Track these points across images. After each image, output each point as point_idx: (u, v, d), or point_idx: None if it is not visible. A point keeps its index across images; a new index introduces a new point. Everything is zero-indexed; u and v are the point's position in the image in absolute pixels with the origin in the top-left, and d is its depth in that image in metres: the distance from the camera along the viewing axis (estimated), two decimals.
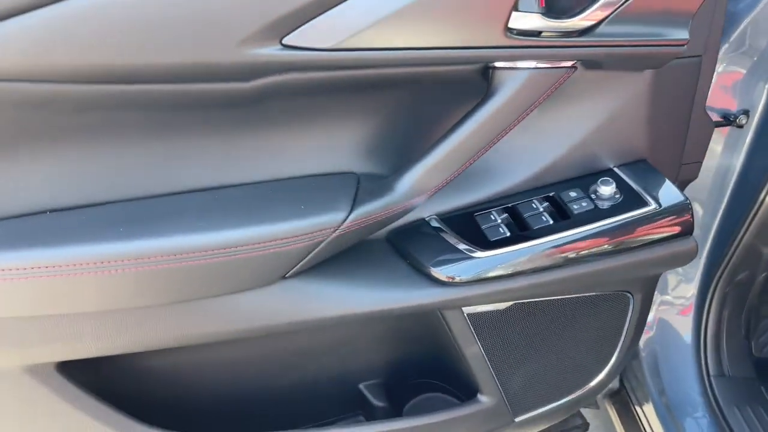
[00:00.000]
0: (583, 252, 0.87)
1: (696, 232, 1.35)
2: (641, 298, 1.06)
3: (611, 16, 0.76)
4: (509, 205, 0.90)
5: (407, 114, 0.84)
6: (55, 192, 0.71)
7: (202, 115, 0.73)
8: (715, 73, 1.21)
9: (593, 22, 0.76)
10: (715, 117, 1.21)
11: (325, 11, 0.65)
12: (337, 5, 0.65)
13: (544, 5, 0.74)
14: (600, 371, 1.14)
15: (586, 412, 1.56)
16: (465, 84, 0.81)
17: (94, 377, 0.79)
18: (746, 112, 1.19)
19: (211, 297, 0.73)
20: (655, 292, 1.39)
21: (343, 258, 0.82)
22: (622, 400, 1.54)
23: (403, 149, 0.85)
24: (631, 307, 1.07)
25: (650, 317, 1.41)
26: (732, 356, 1.37)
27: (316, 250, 0.75)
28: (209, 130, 0.75)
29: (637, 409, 1.45)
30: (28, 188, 0.70)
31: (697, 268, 1.36)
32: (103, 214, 0.71)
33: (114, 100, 0.66)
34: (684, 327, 1.39)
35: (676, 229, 0.90)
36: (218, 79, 0.67)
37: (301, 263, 0.75)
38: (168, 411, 0.88)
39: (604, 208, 0.89)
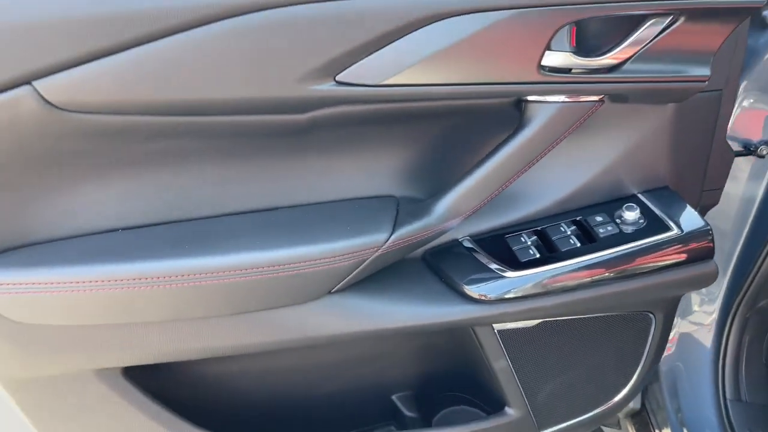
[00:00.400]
0: (607, 274, 0.92)
1: (719, 257, 1.40)
2: (663, 318, 1.11)
3: (637, 55, 0.82)
4: (539, 228, 0.96)
5: (445, 143, 0.91)
6: (126, 212, 0.78)
7: (258, 143, 0.80)
8: (739, 106, 1.27)
9: (620, 61, 0.82)
10: (737, 147, 1.26)
11: (374, 52, 0.72)
12: (384, 47, 0.72)
13: (575, 45, 0.80)
14: (622, 389, 1.18)
15: None
16: (499, 115, 0.87)
17: (155, 383, 0.86)
18: (767, 143, 1.24)
19: (265, 310, 0.80)
20: (678, 312, 1.44)
21: (382, 275, 0.88)
22: (643, 420, 1.57)
23: (439, 175, 0.92)
24: (653, 327, 1.11)
25: (673, 336, 1.45)
26: (750, 382, 1.40)
27: (360, 267, 0.81)
28: (264, 156, 0.82)
29: (656, 429, 1.49)
30: (103, 208, 0.77)
31: (719, 292, 1.40)
32: (168, 233, 0.78)
33: (181, 130, 0.74)
34: (704, 349, 1.42)
35: (697, 253, 0.95)
36: (277, 111, 0.74)
37: (346, 280, 0.82)
38: (217, 415, 0.94)
39: (629, 232, 0.94)
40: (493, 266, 0.90)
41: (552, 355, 1.05)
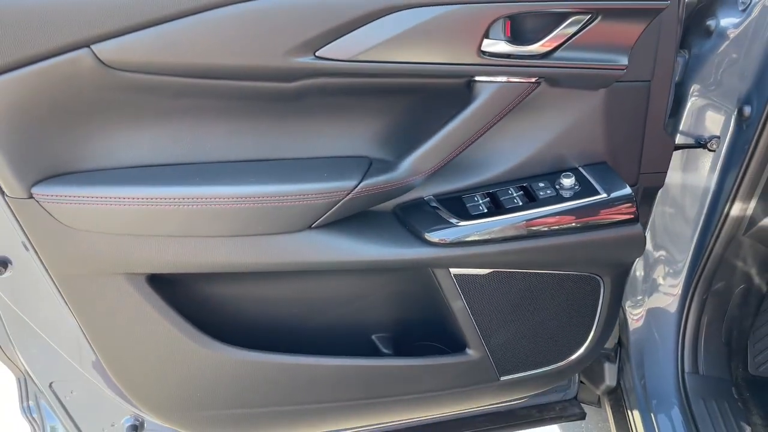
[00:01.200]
0: (543, 228, 1.11)
1: (682, 240, 1.56)
2: (611, 282, 1.28)
3: (565, 45, 1.02)
4: (490, 191, 1.16)
5: (410, 115, 1.13)
6: (154, 153, 1.03)
7: (256, 105, 1.04)
8: (690, 104, 1.45)
9: (551, 48, 1.03)
10: (690, 140, 1.43)
11: (346, 33, 0.94)
12: (354, 30, 0.94)
13: (509, 35, 1.01)
14: (578, 348, 1.35)
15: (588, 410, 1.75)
16: (454, 93, 1.08)
17: (174, 295, 1.09)
18: (717, 138, 1.41)
19: (257, 235, 1.02)
20: (645, 290, 1.60)
21: (357, 220, 1.09)
22: (617, 397, 1.72)
23: (405, 141, 1.13)
24: (602, 290, 1.29)
25: (640, 313, 1.61)
26: (708, 357, 1.55)
27: (334, 208, 1.03)
28: (261, 117, 1.05)
29: (626, 403, 1.64)
30: (138, 148, 1.02)
31: (682, 271, 1.56)
32: (186, 170, 1.02)
33: (198, 91, 0.98)
34: (668, 324, 1.58)
35: (623, 216, 1.13)
36: (269, 79, 0.97)
37: (323, 217, 1.04)
38: (224, 328, 1.17)
39: (564, 195, 1.13)
40: (450, 218, 1.11)
41: (506, 305, 1.23)
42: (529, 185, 1.16)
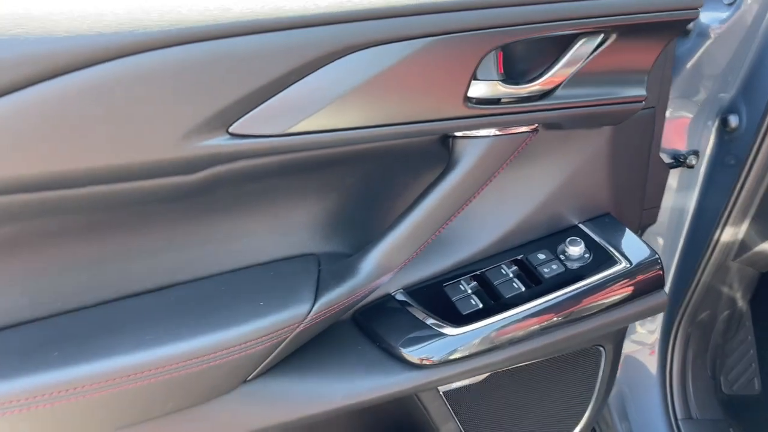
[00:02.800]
0: (557, 318, 0.83)
1: None
2: (612, 348, 1.04)
3: (569, 79, 0.74)
4: (478, 272, 0.86)
5: (366, 189, 0.80)
6: None
7: (142, 212, 0.67)
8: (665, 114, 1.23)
9: (552, 86, 0.74)
10: (667, 159, 1.21)
11: (272, 96, 0.60)
12: (284, 89, 0.60)
13: (502, 71, 0.71)
14: (576, 425, 1.10)
15: None
16: (425, 154, 0.77)
17: None
18: (696, 153, 1.20)
19: (169, 413, 0.66)
20: None
21: (307, 349, 0.76)
22: None
23: (364, 225, 0.81)
24: (603, 359, 1.04)
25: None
26: (699, 397, 1.36)
27: (279, 348, 0.69)
28: (151, 227, 0.68)
29: None
30: None
31: None
32: (37, 333, 0.63)
33: (35, 208, 0.59)
34: (650, 369, 1.37)
35: (648, 285, 0.88)
36: (160, 175, 0.61)
37: (263, 364, 0.69)
38: None
39: (575, 269, 0.86)
40: (433, 322, 0.80)
41: (502, 407, 0.95)
42: (525, 259, 0.87)
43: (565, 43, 0.73)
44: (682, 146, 1.22)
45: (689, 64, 1.15)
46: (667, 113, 1.21)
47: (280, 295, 0.69)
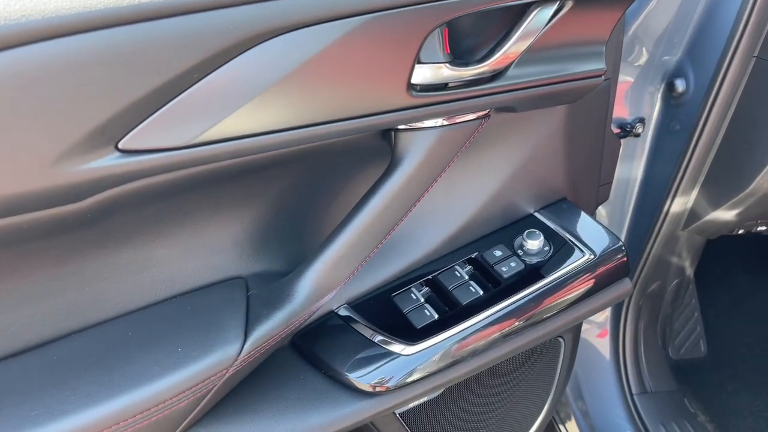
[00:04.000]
0: (519, 323, 0.75)
1: None
2: (572, 338, 0.98)
3: (521, 57, 0.64)
4: (430, 276, 0.77)
5: (296, 196, 0.68)
6: None
7: (20, 252, 0.53)
8: None
9: (503, 66, 0.64)
10: (615, 129, 1.15)
11: (171, 99, 0.47)
12: (183, 91, 0.48)
13: (449, 51, 0.61)
14: (534, 421, 1.04)
15: None
16: (363, 152, 0.66)
17: None
18: (642, 120, 1.14)
19: None
20: None
21: (241, 385, 0.65)
22: (549, 427, 1.47)
23: (298, 237, 0.69)
24: (562, 350, 0.97)
25: None
26: (652, 369, 1.33)
27: (205, 399, 0.57)
28: (33, 269, 0.55)
29: None
30: None
31: None
32: None
33: None
34: (603, 346, 1.33)
35: (613, 275, 0.81)
36: (36, 208, 0.47)
37: (188, 419, 0.57)
38: None
39: (535, 265, 0.78)
40: (384, 340, 0.70)
41: (463, 418, 0.87)
42: (481, 257, 0.78)
43: (516, 15, 0.63)
44: (626, 114, 1.16)
45: (633, 26, 1.08)
46: None
47: (202, 336, 0.57)
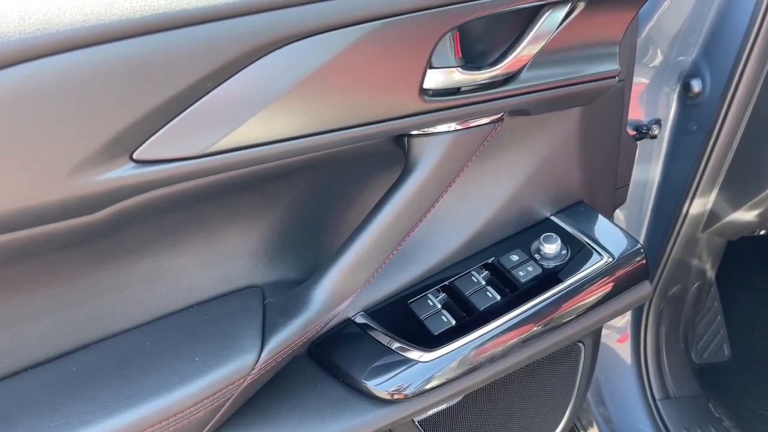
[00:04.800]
0: (537, 328, 0.74)
1: None
2: (592, 342, 0.96)
3: (534, 59, 0.64)
4: (446, 282, 0.76)
5: (311, 203, 0.68)
6: None
7: (36, 265, 0.53)
8: None
9: (516, 69, 0.64)
10: (630, 131, 1.14)
11: (185, 109, 0.48)
12: (197, 100, 0.48)
13: (460, 56, 0.61)
14: (558, 424, 1.03)
15: None
16: (377, 158, 0.66)
17: None
18: (658, 122, 1.13)
19: None
20: None
21: (258, 394, 0.64)
22: None
23: (313, 245, 0.69)
24: (582, 355, 0.96)
25: None
26: (675, 374, 1.31)
27: (223, 409, 0.57)
28: (51, 279, 0.55)
29: None
30: None
31: None
32: None
33: None
34: (623, 350, 1.31)
35: (632, 278, 0.80)
36: (52, 220, 0.48)
37: (206, 429, 0.57)
38: None
39: (552, 269, 0.77)
40: (402, 347, 0.70)
41: (482, 425, 0.86)
42: (497, 262, 0.78)
43: (528, 17, 0.62)
44: (642, 116, 1.15)
45: (647, 27, 1.07)
46: None
47: (219, 345, 0.57)
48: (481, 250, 0.79)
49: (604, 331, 1.33)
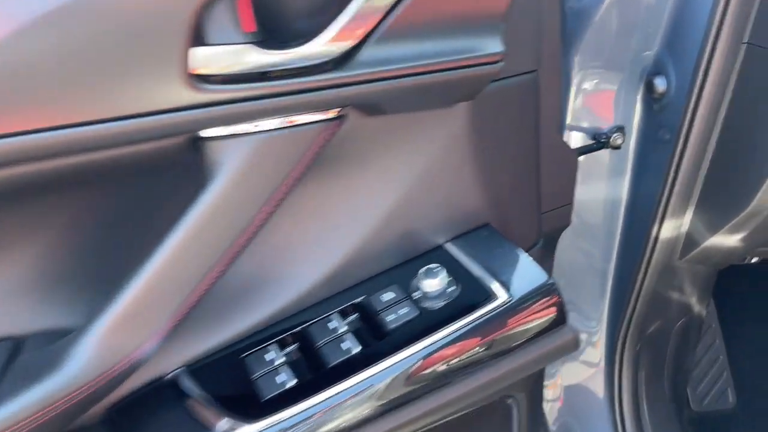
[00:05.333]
0: (409, 387, 0.57)
1: (592, 278, 1.10)
2: (527, 396, 0.78)
3: (377, 34, 0.48)
4: (297, 329, 0.60)
5: (97, 226, 0.53)
6: None
7: None
8: (578, 90, 0.97)
9: (350, 45, 0.48)
10: (584, 140, 0.96)
11: None
12: None
13: (255, 28, 0.45)
14: None
15: None
16: (186, 168, 0.51)
17: None
18: (621, 129, 0.95)
19: None
20: (554, 366, 1.13)
21: None
22: None
23: (94, 282, 0.54)
24: (515, 413, 0.78)
25: (555, 395, 1.14)
26: (655, 422, 1.11)
27: None
28: None
29: None
30: None
31: (600, 323, 1.10)
32: None
33: None
34: (597, 395, 1.12)
35: (543, 322, 0.62)
36: None
37: None
38: None
39: (435, 310, 0.60)
40: (214, 415, 0.53)
41: None
42: (366, 302, 0.61)
43: None
44: (603, 123, 0.97)
45: (598, 17, 0.90)
46: (582, 84, 0.96)
47: None
48: (352, 286, 0.63)
49: (574, 372, 1.14)
